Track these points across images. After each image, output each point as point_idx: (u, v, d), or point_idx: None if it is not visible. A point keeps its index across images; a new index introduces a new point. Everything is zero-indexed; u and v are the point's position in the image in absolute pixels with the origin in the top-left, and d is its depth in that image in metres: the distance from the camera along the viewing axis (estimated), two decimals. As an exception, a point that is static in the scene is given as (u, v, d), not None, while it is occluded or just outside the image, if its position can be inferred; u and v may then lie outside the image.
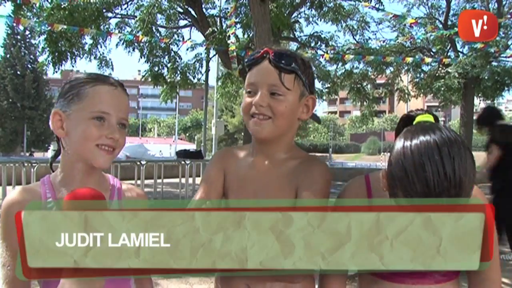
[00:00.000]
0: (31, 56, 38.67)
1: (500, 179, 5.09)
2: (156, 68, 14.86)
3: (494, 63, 14.82)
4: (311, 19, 15.74)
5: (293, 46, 16.21)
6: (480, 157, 4.68)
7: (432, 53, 16.21)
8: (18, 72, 38.57)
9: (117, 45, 14.27)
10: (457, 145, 0.99)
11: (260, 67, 1.30)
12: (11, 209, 1.24)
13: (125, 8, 14.52)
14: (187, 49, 14.32)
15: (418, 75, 16.82)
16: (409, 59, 13.92)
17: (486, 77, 14.32)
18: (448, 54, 15.88)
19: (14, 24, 34.48)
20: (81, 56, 13.71)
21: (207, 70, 15.98)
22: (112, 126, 1.27)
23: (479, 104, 32.63)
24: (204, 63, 15.42)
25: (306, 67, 1.34)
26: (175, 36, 15.41)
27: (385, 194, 1.13)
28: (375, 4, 12.81)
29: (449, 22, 15.27)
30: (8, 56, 38.69)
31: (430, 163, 0.98)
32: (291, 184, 1.30)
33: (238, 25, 12.91)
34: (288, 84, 1.28)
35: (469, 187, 1.00)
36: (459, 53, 15.23)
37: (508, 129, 5.42)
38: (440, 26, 15.26)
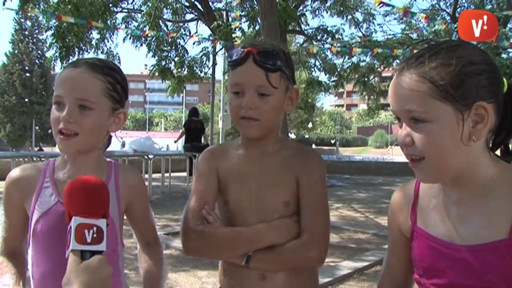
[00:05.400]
0: (39, 52, 38.86)
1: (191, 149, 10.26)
2: (163, 63, 14.88)
3: (503, 55, 14.67)
4: (317, 11, 15.67)
5: (299, 39, 16.17)
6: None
7: (439, 45, 16.05)
8: (26, 68, 38.81)
9: (124, 39, 14.31)
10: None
11: (245, 67, 1.29)
12: (9, 184, 1.34)
13: (131, 3, 14.53)
14: (194, 43, 14.33)
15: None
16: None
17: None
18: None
19: (22, 20, 34.62)
20: (89, 50, 13.75)
21: (214, 64, 15.97)
22: (68, 109, 1.23)
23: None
24: (211, 57, 15.43)
25: (288, 58, 1.34)
26: (182, 30, 15.41)
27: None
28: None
29: (457, 15, 15.12)
30: (16, 51, 38.92)
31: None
32: (290, 173, 1.33)
33: (244, 19, 12.88)
34: (275, 83, 1.28)
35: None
36: (467, 45, 15.09)
37: (194, 121, 11.35)
38: (448, 18, 15.12)
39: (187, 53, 15.27)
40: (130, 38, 14.07)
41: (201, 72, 15.53)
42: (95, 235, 0.95)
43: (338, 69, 16.16)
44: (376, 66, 16.65)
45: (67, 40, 12.57)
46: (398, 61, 16.17)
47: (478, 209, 1.03)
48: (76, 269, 0.93)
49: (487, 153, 1.04)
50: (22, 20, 37.88)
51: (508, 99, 1.03)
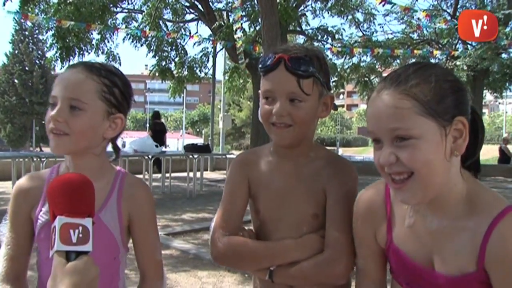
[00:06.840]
0: (39, 52, 38.87)
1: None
2: (164, 63, 14.87)
3: (504, 55, 14.64)
4: (317, 12, 15.65)
5: (300, 39, 16.14)
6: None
7: (440, 45, 16.05)
8: (26, 68, 38.82)
9: (124, 39, 14.32)
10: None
11: (276, 74, 1.25)
12: (18, 195, 1.31)
13: (131, 2, 14.53)
14: (194, 44, 14.34)
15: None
16: (418, 52, 13.80)
17: (495, 70, 14.15)
18: (457, 46, 15.73)
19: (22, 20, 34.68)
20: (89, 51, 13.75)
21: (214, 64, 15.97)
22: (58, 108, 1.20)
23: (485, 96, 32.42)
24: (211, 57, 15.41)
25: (322, 64, 1.30)
26: (182, 30, 15.40)
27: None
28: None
29: (458, 14, 15.10)
30: (16, 52, 38.95)
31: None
32: (319, 185, 1.31)
33: (245, 18, 12.87)
34: (307, 90, 1.25)
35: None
36: (468, 46, 15.08)
37: (157, 124, 12.26)
38: (449, 18, 15.10)
39: (187, 54, 15.27)
40: (130, 38, 14.06)
41: (201, 73, 15.53)
42: (80, 235, 0.91)
43: (339, 69, 16.14)
44: (376, 66, 16.63)
45: (67, 40, 12.57)
46: (398, 61, 16.18)
47: (450, 236, 1.04)
48: (62, 271, 0.88)
49: (460, 173, 1.06)
50: (22, 20, 37.89)
51: (472, 118, 1.05)
